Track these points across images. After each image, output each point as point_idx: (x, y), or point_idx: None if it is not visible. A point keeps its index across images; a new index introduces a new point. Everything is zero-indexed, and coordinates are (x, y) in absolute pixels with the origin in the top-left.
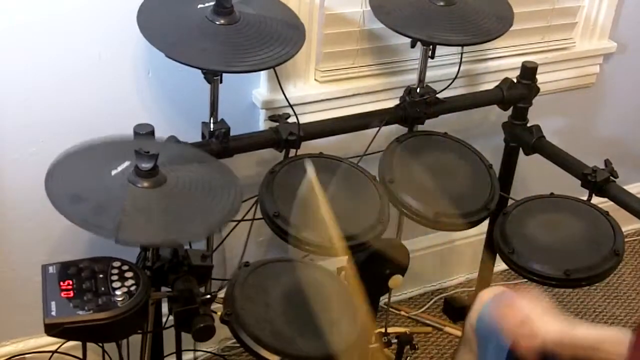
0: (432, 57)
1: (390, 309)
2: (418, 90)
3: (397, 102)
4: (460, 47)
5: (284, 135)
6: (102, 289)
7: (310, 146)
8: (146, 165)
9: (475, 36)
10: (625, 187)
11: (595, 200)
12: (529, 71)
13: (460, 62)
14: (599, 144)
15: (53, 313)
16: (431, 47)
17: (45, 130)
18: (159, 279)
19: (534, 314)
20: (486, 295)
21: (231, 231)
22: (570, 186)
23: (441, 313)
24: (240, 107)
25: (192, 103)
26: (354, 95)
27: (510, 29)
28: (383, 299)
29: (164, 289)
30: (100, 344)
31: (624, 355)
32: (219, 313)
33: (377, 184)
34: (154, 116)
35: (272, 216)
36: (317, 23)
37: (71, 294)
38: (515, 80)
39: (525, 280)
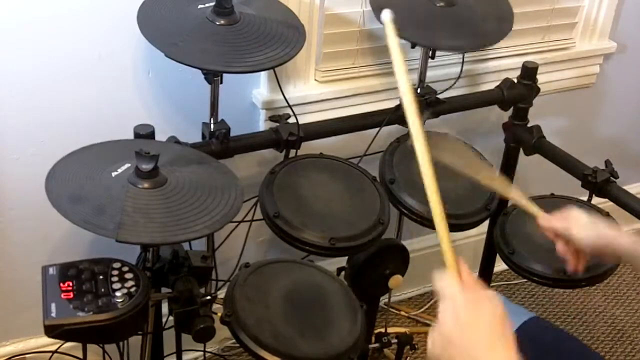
0: (433, 57)
1: (390, 309)
2: (418, 91)
3: (397, 102)
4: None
5: (284, 135)
6: (102, 290)
7: (311, 146)
8: (147, 167)
9: (475, 40)
10: (625, 187)
11: (596, 200)
12: (529, 71)
13: (462, 64)
14: (599, 144)
15: (53, 314)
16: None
17: (45, 130)
18: (159, 280)
19: (573, 219)
20: None
21: (232, 232)
22: (571, 186)
23: None
24: (241, 107)
25: (192, 103)
26: (354, 95)
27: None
28: (383, 299)
29: (164, 289)
30: (101, 345)
31: None
32: (219, 314)
33: (377, 184)
34: (154, 116)
35: (272, 216)
36: (317, 23)
37: (71, 295)
38: (515, 81)
39: (525, 280)
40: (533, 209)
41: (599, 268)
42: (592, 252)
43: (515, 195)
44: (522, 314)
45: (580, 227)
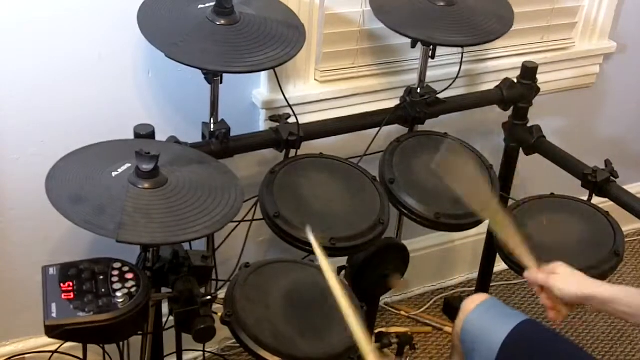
0: (433, 57)
1: (390, 309)
2: (418, 91)
3: (397, 102)
4: (460, 48)
5: (284, 135)
6: (103, 290)
7: (311, 146)
8: (147, 167)
9: (475, 37)
10: (625, 187)
11: (596, 200)
12: (529, 71)
13: (461, 63)
14: (599, 144)
15: (54, 315)
16: (431, 47)
17: (45, 130)
18: (160, 280)
19: (556, 275)
20: (470, 304)
21: (232, 232)
22: (571, 186)
23: (441, 313)
24: (241, 107)
25: (192, 103)
26: (354, 95)
27: (510, 29)
28: (383, 299)
29: (164, 289)
30: (101, 345)
31: None
32: (220, 314)
33: (377, 184)
34: (154, 116)
35: (273, 216)
36: (317, 23)
37: (72, 295)
38: (515, 81)
39: (525, 280)
40: (526, 260)
41: (598, 268)
42: (574, 303)
43: (512, 240)
44: (516, 317)
45: (562, 281)
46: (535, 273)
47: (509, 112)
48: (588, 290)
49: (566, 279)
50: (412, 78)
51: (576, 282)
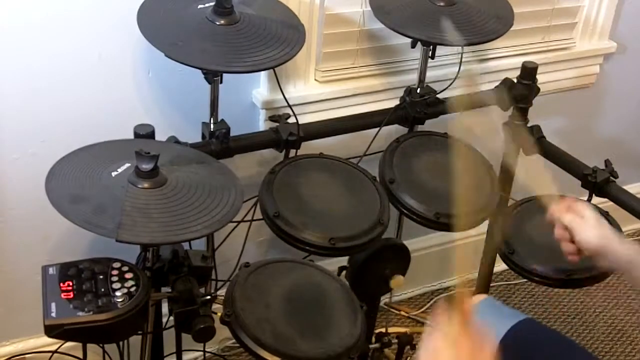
0: (432, 57)
1: (390, 309)
2: (418, 91)
3: (397, 102)
4: (460, 47)
5: (284, 135)
6: (102, 290)
7: (311, 146)
8: (146, 166)
9: (475, 36)
10: (625, 187)
11: (596, 200)
12: (529, 71)
13: (461, 62)
14: (599, 144)
15: (53, 314)
16: (431, 47)
17: (45, 130)
18: (159, 279)
19: (582, 219)
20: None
21: (231, 232)
22: (571, 186)
23: None
24: (241, 107)
25: (192, 103)
26: (354, 95)
27: (511, 29)
28: (383, 299)
29: (164, 289)
30: (101, 345)
31: None
32: (219, 314)
33: (377, 184)
34: (154, 116)
35: (272, 216)
36: (317, 23)
37: (71, 295)
38: (515, 81)
39: (525, 280)
40: (549, 196)
41: (598, 268)
42: (591, 252)
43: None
44: (514, 316)
45: (585, 228)
46: (562, 211)
47: (509, 112)
48: (609, 246)
49: (590, 228)
50: (412, 78)
51: (598, 234)
